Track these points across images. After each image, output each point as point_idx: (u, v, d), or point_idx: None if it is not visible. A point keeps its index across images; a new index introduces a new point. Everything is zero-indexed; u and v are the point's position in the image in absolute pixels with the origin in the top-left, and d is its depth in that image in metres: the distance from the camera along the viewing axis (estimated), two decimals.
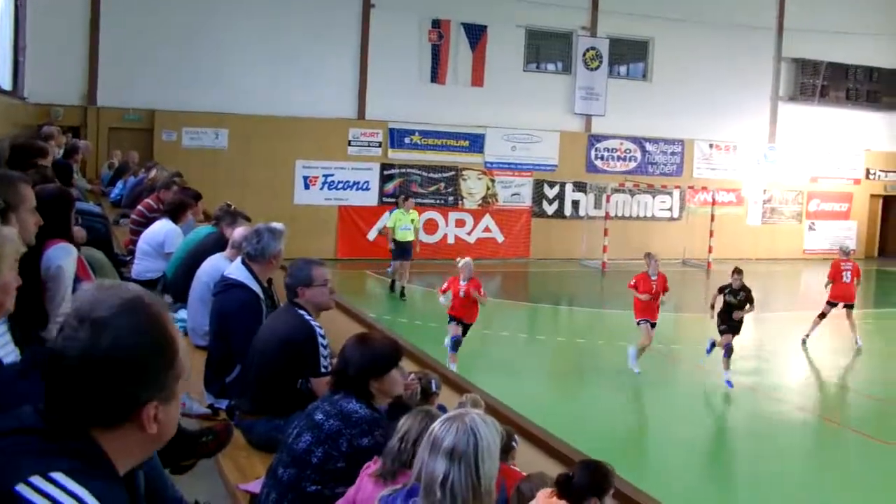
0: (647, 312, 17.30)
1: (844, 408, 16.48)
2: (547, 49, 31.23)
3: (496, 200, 30.04)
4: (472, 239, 29.60)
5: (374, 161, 28.55)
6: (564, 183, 30.82)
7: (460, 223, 29.48)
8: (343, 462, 4.90)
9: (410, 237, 23.02)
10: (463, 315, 16.06)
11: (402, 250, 22.92)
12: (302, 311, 6.31)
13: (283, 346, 6.19)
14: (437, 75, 29.02)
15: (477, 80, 29.44)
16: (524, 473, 5.94)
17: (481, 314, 16.57)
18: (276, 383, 6.22)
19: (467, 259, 16.17)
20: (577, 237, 30.37)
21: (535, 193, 30.55)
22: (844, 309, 20.60)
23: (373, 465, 4.58)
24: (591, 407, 15.39)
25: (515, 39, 29.95)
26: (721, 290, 17.20)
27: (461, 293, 15.83)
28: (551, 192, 30.72)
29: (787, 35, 33.48)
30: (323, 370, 6.14)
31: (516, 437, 6.90)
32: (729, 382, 16.17)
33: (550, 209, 30.76)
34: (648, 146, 31.95)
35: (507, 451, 6.62)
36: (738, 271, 17.16)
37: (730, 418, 15.42)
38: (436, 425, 3.68)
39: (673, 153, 32.40)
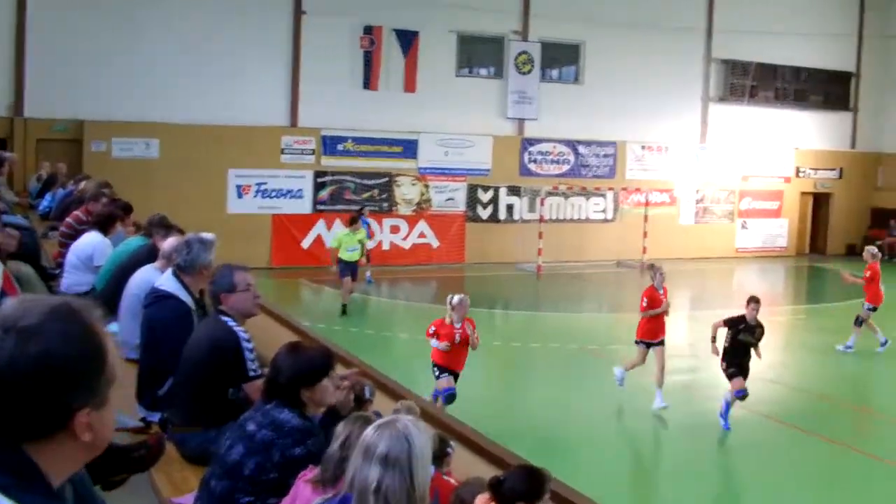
0: (652, 333, 15.47)
1: (780, 403, 16.62)
2: (479, 54, 31.32)
3: (430, 206, 30.03)
4: (407, 245, 29.58)
5: (307, 169, 28.42)
6: (498, 187, 30.89)
7: (395, 229, 29.42)
8: (276, 472, 4.86)
9: (356, 257, 22.09)
10: (454, 363, 13.56)
11: (347, 269, 21.92)
12: (226, 319, 6.26)
13: (210, 355, 6.14)
14: (369, 82, 28.95)
15: (410, 85, 29.43)
16: (457, 482, 5.93)
17: (415, 320, 16.50)
18: (206, 393, 6.15)
19: (463, 296, 13.48)
20: (512, 241, 30.46)
21: (470, 198, 30.58)
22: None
23: (310, 473, 4.56)
24: (528, 410, 15.42)
25: (447, 45, 29.99)
26: (729, 324, 14.34)
27: (457, 338, 13.30)
28: (485, 197, 30.78)
29: (716, 36, 33.87)
30: (252, 373, 6.10)
31: (451, 443, 6.90)
32: (726, 425, 14.09)
33: (485, 213, 30.82)
34: (581, 149, 32.14)
35: (441, 457, 6.61)
36: (755, 300, 14.38)
37: (666, 416, 15.48)
38: (368, 432, 3.66)
39: (606, 155, 32.61)
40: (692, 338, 22.37)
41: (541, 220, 30.08)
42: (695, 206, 34.37)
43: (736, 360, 14.11)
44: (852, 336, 20.01)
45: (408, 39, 29.23)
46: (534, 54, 31.22)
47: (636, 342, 15.67)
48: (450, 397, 13.28)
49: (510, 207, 31.14)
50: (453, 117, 29.92)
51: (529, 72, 31.17)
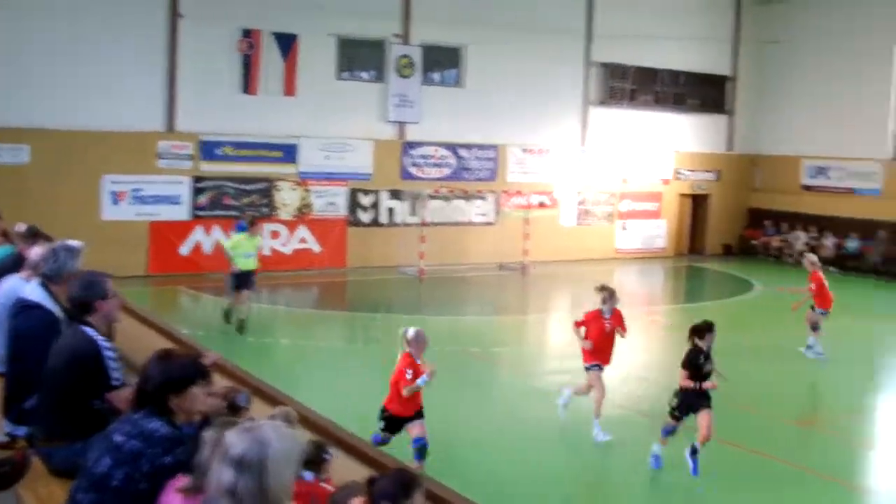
0: (598, 355, 14.26)
1: (654, 400, 16.81)
2: (360, 57, 31.16)
3: (311, 211, 29.76)
4: (287, 250, 29.26)
5: (185, 174, 27.91)
6: (379, 191, 30.77)
7: (275, 235, 29.00)
8: (145, 482, 4.77)
9: (252, 266, 20.15)
10: (412, 407, 11.73)
11: (242, 279, 20.00)
12: (84, 328, 6.11)
13: (70, 366, 6.00)
14: (248, 85, 28.60)
15: (289, 89, 29.15)
16: (335, 488, 5.88)
17: (296, 326, 16.25)
18: (70, 405, 6.00)
19: (417, 330, 11.68)
20: (394, 245, 30.38)
21: (351, 202, 30.39)
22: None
23: (179, 481, 4.47)
24: None
25: (327, 48, 29.76)
26: (691, 362, 12.23)
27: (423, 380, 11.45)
28: (367, 201, 30.61)
29: (596, 40, 34.27)
30: (115, 382, 5.96)
31: (329, 449, 6.83)
32: (695, 470, 12.28)
33: (366, 217, 30.65)
34: (463, 152, 32.20)
35: (318, 463, 6.56)
36: (708, 329, 12.31)
37: (546, 417, 15.53)
38: (228, 435, 3.66)
39: (487, 158, 32.72)
40: (572, 340, 22.56)
41: (422, 223, 30.07)
42: (576, 208, 34.68)
43: (696, 394, 12.14)
44: (811, 338, 20.27)
45: (287, 43, 28.96)
46: (415, 58, 31.19)
47: (586, 368, 14.31)
48: (422, 449, 11.41)
49: (392, 211, 31.01)
50: (334, 121, 29.73)
51: (411, 75, 31.13)
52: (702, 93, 37.56)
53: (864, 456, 14.76)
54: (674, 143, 36.73)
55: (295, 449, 3.73)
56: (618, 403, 16.18)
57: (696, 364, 12.15)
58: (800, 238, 36.27)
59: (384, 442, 11.44)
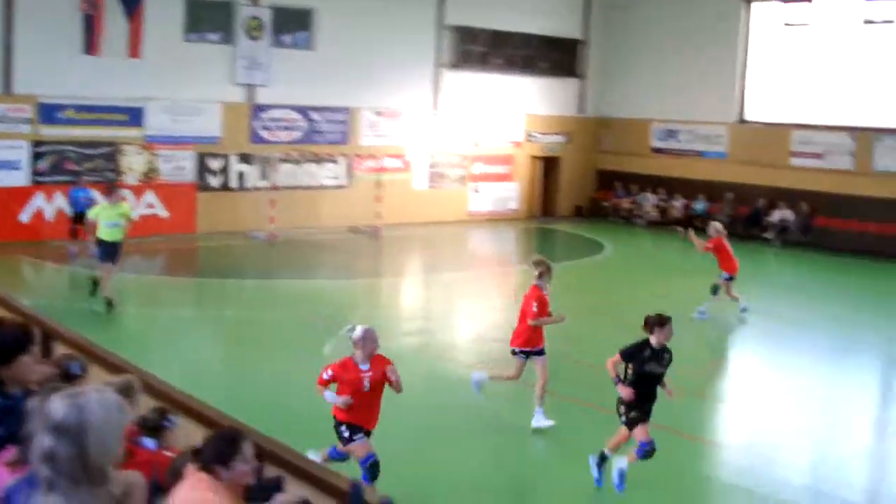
0: (533, 340, 13.15)
1: (506, 361, 16.90)
2: (208, 18, 30.37)
3: (158, 175, 29.03)
4: (134, 216, 28.37)
5: (23, 138, 26.83)
6: (229, 155, 30.18)
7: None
8: None
9: (119, 236, 18.64)
10: (366, 418, 10.03)
11: (106, 252, 18.56)
12: None
13: None
14: (91, 46, 27.62)
15: (134, 51, 28.27)
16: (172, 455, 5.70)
17: (144, 293, 15.76)
18: None
19: (367, 328, 10.08)
20: (245, 209, 29.87)
21: (200, 167, 29.74)
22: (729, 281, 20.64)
23: (8, 453, 4.25)
24: (260, 377, 15.10)
25: (174, 8, 28.95)
26: (630, 354, 10.91)
27: (365, 385, 9.86)
28: (216, 165, 29.98)
29: (448, 3, 34.17)
30: None
31: (173, 417, 6.63)
32: (599, 481, 11.19)
33: (216, 182, 30.02)
34: (314, 115, 31.80)
35: (159, 430, 6.37)
36: (663, 321, 10.92)
37: (405, 380, 15.41)
38: (51, 402, 3.53)
39: (339, 122, 32.39)
40: (425, 302, 22.62)
41: (273, 187, 29.63)
42: (428, 171, 34.63)
43: (638, 400, 10.76)
44: (705, 304, 20.63)
45: (131, 2, 28.04)
46: (265, 19, 30.61)
47: (513, 352, 13.23)
48: (373, 468, 9.77)
49: (242, 175, 30.45)
50: (181, 84, 28.99)
51: (260, 37, 30.56)
52: (553, 56, 37.86)
53: (713, 410, 15.08)
54: (525, 107, 36.95)
55: (118, 415, 3.59)
56: (468, 363, 16.24)
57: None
58: (649, 200, 36.98)
59: (375, 461, 9.85)
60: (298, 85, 31.03)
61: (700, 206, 35.73)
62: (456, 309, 21.55)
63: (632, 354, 10.83)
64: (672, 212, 36.23)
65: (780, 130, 34.59)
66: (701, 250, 20.90)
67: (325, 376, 9.97)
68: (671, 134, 37.59)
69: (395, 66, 33.01)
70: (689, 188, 36.26)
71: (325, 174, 32.15)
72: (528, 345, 13.02)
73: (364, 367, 9.85)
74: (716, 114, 35.85)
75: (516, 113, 36.71)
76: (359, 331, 9.94)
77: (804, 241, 32.64)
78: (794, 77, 34.85)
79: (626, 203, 37.60)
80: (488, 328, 19.52)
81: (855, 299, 24.91)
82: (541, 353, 13.08)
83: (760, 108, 35.69)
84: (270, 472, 6.74)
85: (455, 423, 13.40)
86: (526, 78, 36.89)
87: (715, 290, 20.81)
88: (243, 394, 13.58)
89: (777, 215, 33.64)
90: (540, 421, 12.91)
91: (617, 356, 10.88)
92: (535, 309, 12.78)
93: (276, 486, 6.00)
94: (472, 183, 35.72)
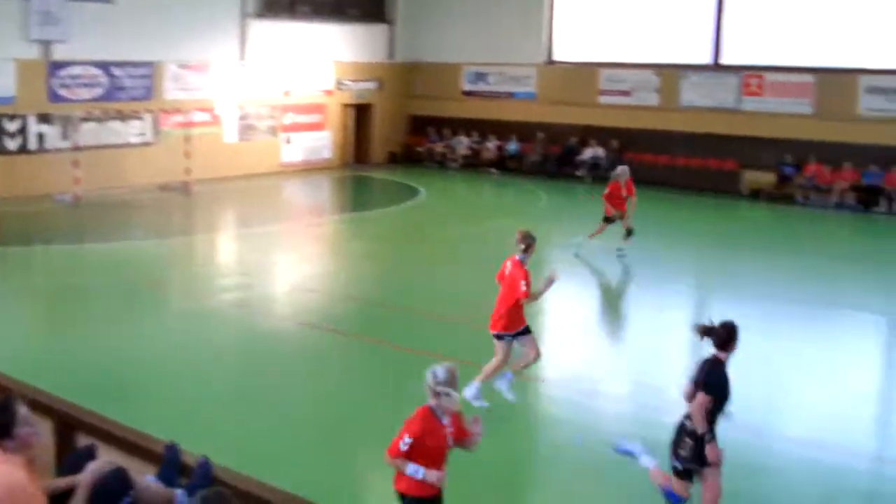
0: (517, 321, 11.66)
1: (322, 311, 16.76)
2: None
3: None
4: None
5: None
6: (26, 115, 28.74)
7: None
8: None
9: None
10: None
11: None
12: None
13: None
14: None
15: None
16: None
17: None
18: None
19: (447, 367, 7.29)
20: (47, 172, 28.54)
21: None
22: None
23: None
24: (83, 346, 14.48)
25: None
26: (720, 387, 8.03)
27: (450, 444, 7.34)
28: (12, 127, 28.47)
29: None
30: None
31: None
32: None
33: (13, 144, 28.51)
34: (116, 71, 30.60)
35: None
36: (736, 330, 8.17)
37: (224, 339, 15.07)
38: None
39: (142, 76, 31.28)
40: (240, 257, 22.14)
41: (76, 147, 28.46)
42: (238, 123, 33.84)
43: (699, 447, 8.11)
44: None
45: None
46: None
47: (498, 336, 11.65)
48: None
49: (41, 136, 29.04)
50: None
51: None
52: (361, 3, 37.67)
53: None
54: (335, 54, 36.49)
55: None
56: (284, 315, 16.04)
57: None
58: (462, 143, 37.08)
59: None
60: (98, 39, 29.76)
61: (513, 146, 36.08)
62: (272, 262, 21.18)
63: (722, 387, 8.02)
64: (485, 154, 36.47)
65: (588, 70, 35.12)
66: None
67: (402, 446, 7.13)
68: (481, 77, 37.76)
69: (199, 18, 32.08)
70: (501, 130, 36.58)
71: (131, 131, 31.03)
72: (513, 327, 11.56)
73: (445, 420, 7.32)
74: (525, 55, 36.18)
75: (326, 61, 36.23)
76: (441, 372, 7.27)
77: None
78: (600, 16, 35.34)
79: (439, 147, 37.63)
80: (304, 279, 19.29)
81: (665, 231, 25.40)
82: (526, 331, 11.64)
83: (568, 48, 36.10)
84: (82, 441, 6.43)
85: (275, 372, 13.12)
86: (334, 25, 36.43)
87: (629, 232, 21.35)
88: (57, 366, 12.91)
89: (588, 153, 34.18)
90: (474, 393, 11.52)
91: (705, 397, 7.92)
92: (524, 288, 11.26)
93: (88, 455, 5.83)
94: (283, 134, 35.13)
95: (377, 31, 38.24)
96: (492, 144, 36.55)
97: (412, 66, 39.05)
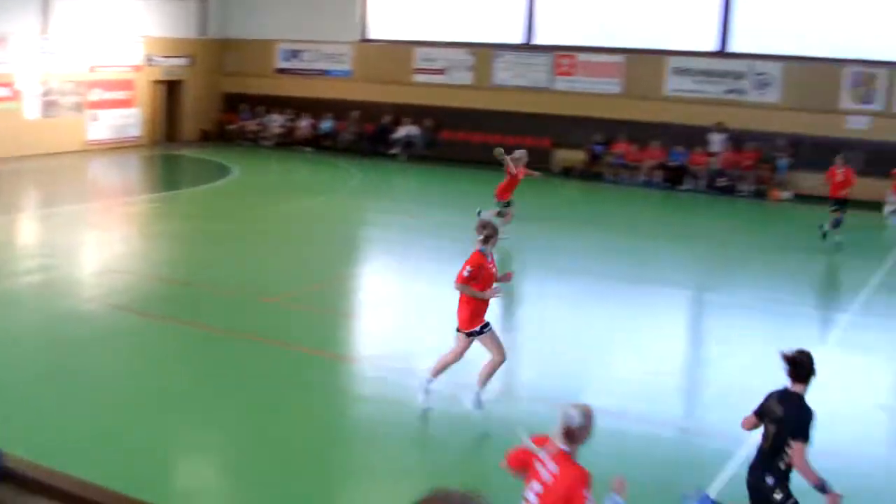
0: (482, 314, 10.75)
1: (132, 292, 16.26)
2: None
3: None
4: None
5: None
6: None
7: None
8: None
9: None
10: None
11: None
12: None
13: None
14: None
15: None
16: None
17: None
18: None
19: (585, 409, 6.48)
20: None
21: None
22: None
23: None
24: None
25: None
26: (809, 427, 7.15)
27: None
28: None
29: None
30: None
31: None
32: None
33: None
34: None
35: None
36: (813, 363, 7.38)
37: (23, 323, 14.44)
38: None
39: None
40: (44, 238, 21.35)
41: None
42: (41, 99, 32.56)
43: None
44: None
45: None
46: None
47: (467, 334, 10.66)
48: None
49: None
50: None
51: None
52: None
53: (340, 326, 15.07)
54: (144, 29, 35.46)
55: None
56: (90, 297, 15.53)
57: None
58: (275, 121, 36.68)
59: None
60: None
61: (327, 124, 35.89)
62: (78, 243, 20.44)
63: (810, 426, 7.22)
64: (299, 132, 36.17)
65: (402, 48, 35.13)
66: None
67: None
68: (295, 54, 37.42)
69: None
70: (315, 107, 36.33)
71: None
72: (473, 323, 10.61)
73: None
74: (339, 33, 36.02)
75: (135, 36, 35.18)
76: (577, 417, 6.39)
77: (429, 154, 33.40)
78: None
79: (252, 125, 37.13)
80: (110, 260, 18.70)
81: (477, 208, 25.60)
82: (483, 329, 10.66)
83: (384, 26, 36.02)
84: None
85: (79, 356, 12.65)
86: (143, 0, 35.41)
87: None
88: None
89: (403, 131, 34.21)
90: (473, 402, 10.77)
91: (803, 444, 7.15)
92: (465, 273, 10.42)
93: None
94: (89, 110, 33.98)
95: (189, 6, 37.36)
96: (305, 122, 36.25)
97: (225, 43, 38.37)
